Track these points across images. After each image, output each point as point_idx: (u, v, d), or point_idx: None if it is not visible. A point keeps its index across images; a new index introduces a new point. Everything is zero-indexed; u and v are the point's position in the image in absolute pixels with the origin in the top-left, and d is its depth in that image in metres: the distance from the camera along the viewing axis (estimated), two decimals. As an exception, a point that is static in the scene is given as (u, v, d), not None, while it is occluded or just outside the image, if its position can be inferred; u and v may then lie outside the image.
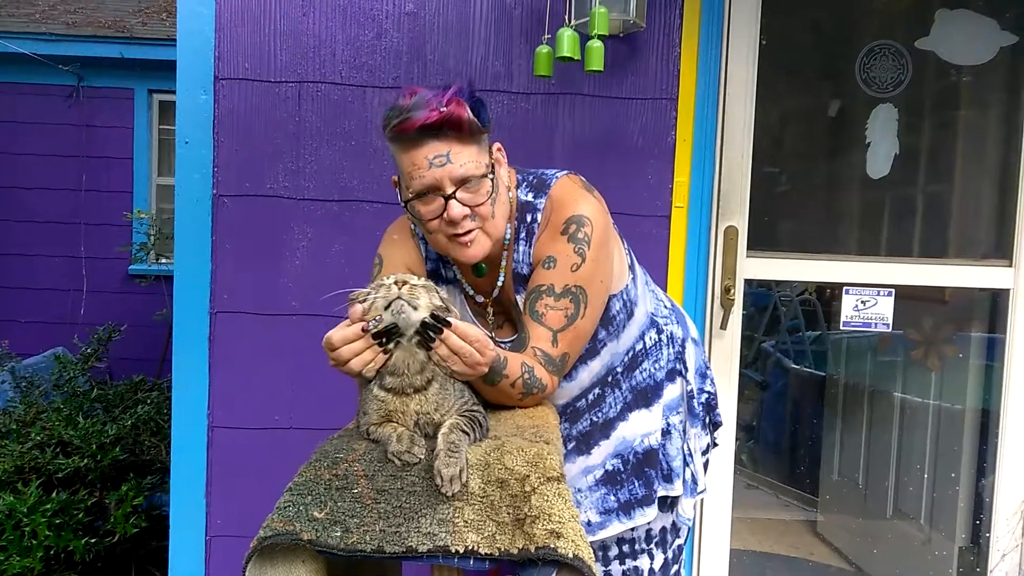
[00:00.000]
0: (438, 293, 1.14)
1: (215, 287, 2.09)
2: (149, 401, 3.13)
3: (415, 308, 1.08)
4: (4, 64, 4.97)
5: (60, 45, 4.96)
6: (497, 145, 1.33)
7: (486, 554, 1.02)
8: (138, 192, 5.28)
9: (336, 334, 1.10)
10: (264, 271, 2.09)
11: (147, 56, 5.03)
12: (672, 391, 1.51)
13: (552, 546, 1.00)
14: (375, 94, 2.07)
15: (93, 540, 2.54)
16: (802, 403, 3.94)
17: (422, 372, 1.13)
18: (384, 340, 1.09)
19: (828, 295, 4.03)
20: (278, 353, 2.10)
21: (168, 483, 2.14)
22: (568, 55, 1.84)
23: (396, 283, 1.10)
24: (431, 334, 1.08)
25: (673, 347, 1.52)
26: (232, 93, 2.05)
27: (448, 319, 1.09)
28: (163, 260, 5.16)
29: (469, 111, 1.21)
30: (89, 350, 3.41)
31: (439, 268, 1.42)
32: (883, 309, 2.31)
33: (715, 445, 1.66)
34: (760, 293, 4.39)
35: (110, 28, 5.19)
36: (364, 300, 1.11)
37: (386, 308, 1.08)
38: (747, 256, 2.22)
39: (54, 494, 2.55)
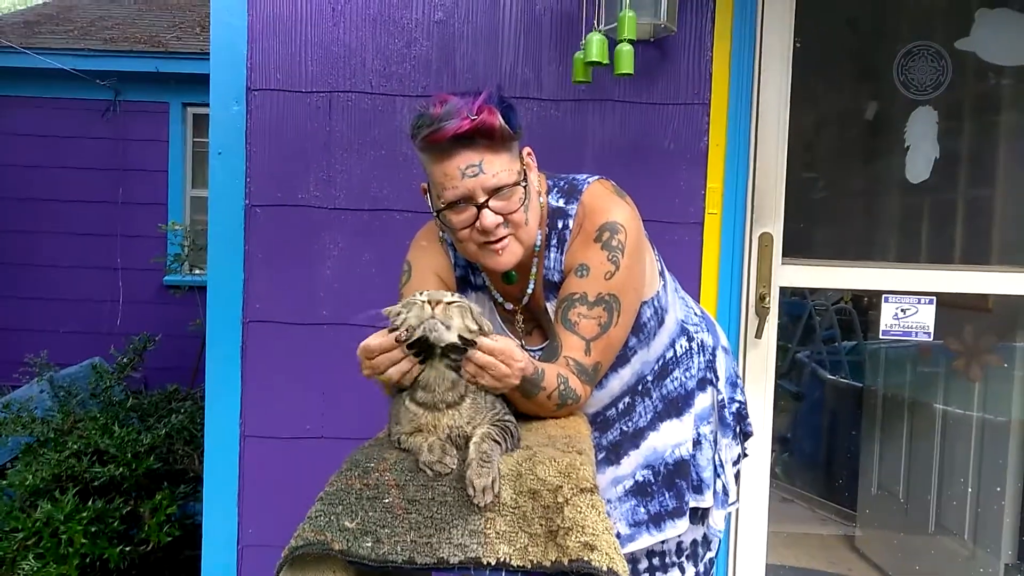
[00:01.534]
0: (471, 312, 1.12)
1: (247, 296, 2.10)
2: (183, 410, 3.16)
3: (448, 328, 1.07)
4: (44, 80, 5.10)
5: (97, 60, 5.07)
6: (527, 150, 1.31)
7: (518, 566, 1.01)
8: (172, 204, 5.37)
9: (373, 341, 1.09)
10: (296, 280, 2.10)
11: (181, 70, 5.12)
12: (703, 400, 1.48)
13: (586, 559, 0.98)
14: (405, 103, 2.08)
15: (128, 548, 2.56)
16: (839, 414, 3.86)
17: (454, 388, 1.11)
18: (416, 352, 1.09)
19: (865, 304, 3.95)
20: (310, 362, 2.11)
21: (201, 492, 2.15)
22: (597, 59, 1.82)
23: (429, 303, 1.09)
24: (456, 355, 1.08)
25: (704, 355, 1.49)
26: (264, 104, 2.07)
27: (473, 339, 1.08)
28: (197, 271, 5.23)
29: (500, 118, 1.20)
30: (125, 360, 3.45)
31: (468, 275, 1.41)
32: (924, 317, 2.25)
33: (745, 455, 1.63)
34: (794, 303, 4.32)
35: (146, 43, 5.30)
36: (397, 316, 1.10)
37: (418, 327, 1.07)
38: (782, 263, 2.18)
39: (90, 502, 2.58)
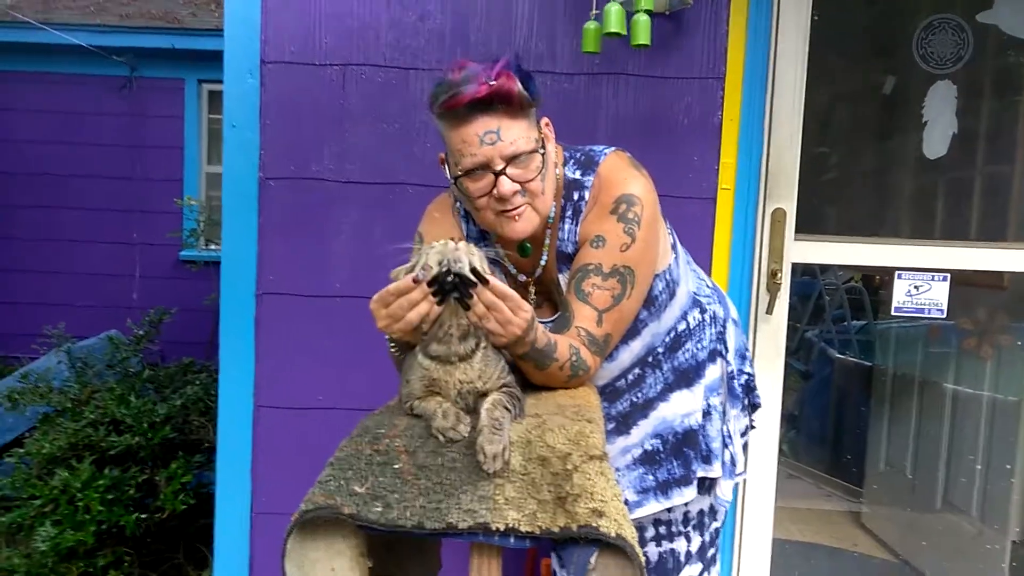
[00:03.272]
0: (480, 255, 1.11)
1: (261, 269, 2.12)
2: (198, 382, 3.20)
3: (469, 261, 1.06)
4: (60, 55, 5.11)
5: (113, 36, 5.08)
6: (545, 120, 1.31)
7: (526, 532, 1.02)
8: (188, 180, 5.40)
9: (391, 287, 1.07)
10: (309, 253, 2.11)
11: (197, 47, 5.12)
12: (713, 372, 1.49)
13: (594, 525, 0.99)
14: (418, 76, 2.07)
15: (144, 516, 2.60)
16: (847, 393, 3.86)
17: (466, 339, 1.11)
18: (435, 292, 1.07)
19: (876, 283, 3.93)
20: (322, 334, 2.13)
21: (215, 462, 2.19)
22: (616, 30, 1.80)
23: (452, 238, 1.09)
24: (469, 291, 1.06)
25: (715, 327, 1.50)
26: (278, 77, 2.07)
27: (487, 277, 1.06)
28: (212, 246, 5.27)
29: (519, 84, 1.20)
30: (141, 332, 3.49)
31: (480, 247, 1.42)
32: (937, 295, 2.23)
33: (753, 427, 1.64)
34: (804, 282, 4.31)
35: (161, 19, 5.30)
36: (415, 258, 1.09)
37: (436, 266, 1.06)
38: (795, 239, 2.17)
39: (106, 471, 2.62)
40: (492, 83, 1.17)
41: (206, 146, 5.49)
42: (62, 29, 4.98)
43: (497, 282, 1.07)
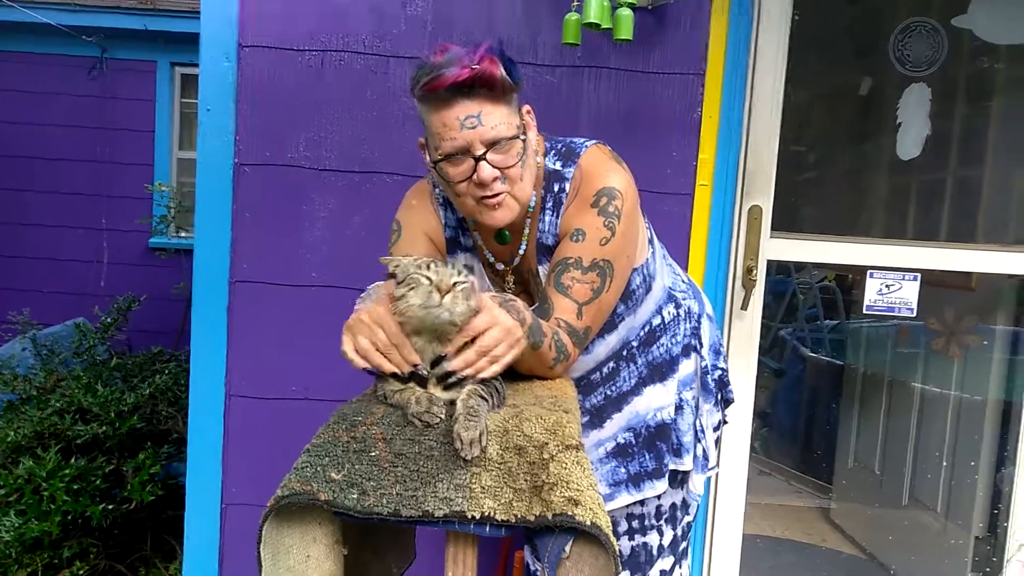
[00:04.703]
0: (474, 290, 1.11)
1: (235, 257, 2.09)
2: (167, 372, 3.15)
3: (450, 314, 1.07)
4: (28, 34, 4.98)
5: (83, 16, 4.96)
6: (527, 108, 1.30)
7: (502, 520, 1.02)
8: (159, 165, 5.30)
9: (363, 341, 1.10)
10: (284, 242, 2.09)
11: (170, 28, 5.02)
12: (687, 366, 1.49)
13: (570, 513, 0.99)
14: (398, 64, 2.05)
15: (111, 507, 2.56)
16: (819, 391, 3.92)
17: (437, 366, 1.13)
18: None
19: (849, 282, 3.99)
20: (296, 324, 2.10)
21: (184, 453, 2.16)
22: (595, 21, 1.79)
23: (438, 289, 1.07)
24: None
25: (690, 322, 1.51)
26: (255, 61, 2.04)
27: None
28: (183, 233, 5.18)
29: (502, 68, 1.19)
30: (109, 320, 3.42)
31: (458, 236, 1.41)
32: (907, 294, 2.27)
33: (726, 422, 1.65)
34: (778, 280, 4.36)
35: None
36: (400, 297, 1.09)
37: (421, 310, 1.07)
38: (771, 237, 2.19)
39: (73, 460, 2.57)
40: (474, 67, 1.16)
41: (178, 131, 5.39)
42: (30, 7, 4.85)
43: (476, 320, 1.09)
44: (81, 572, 2.56)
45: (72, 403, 2.74)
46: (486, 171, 1.21)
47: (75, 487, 2.51)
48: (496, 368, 1.10)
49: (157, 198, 4.97)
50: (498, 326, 1.09)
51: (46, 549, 2.51)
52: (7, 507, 2.48)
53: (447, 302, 1.07)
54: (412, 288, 1.07)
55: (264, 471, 2.00)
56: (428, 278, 1.07)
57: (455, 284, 1.08)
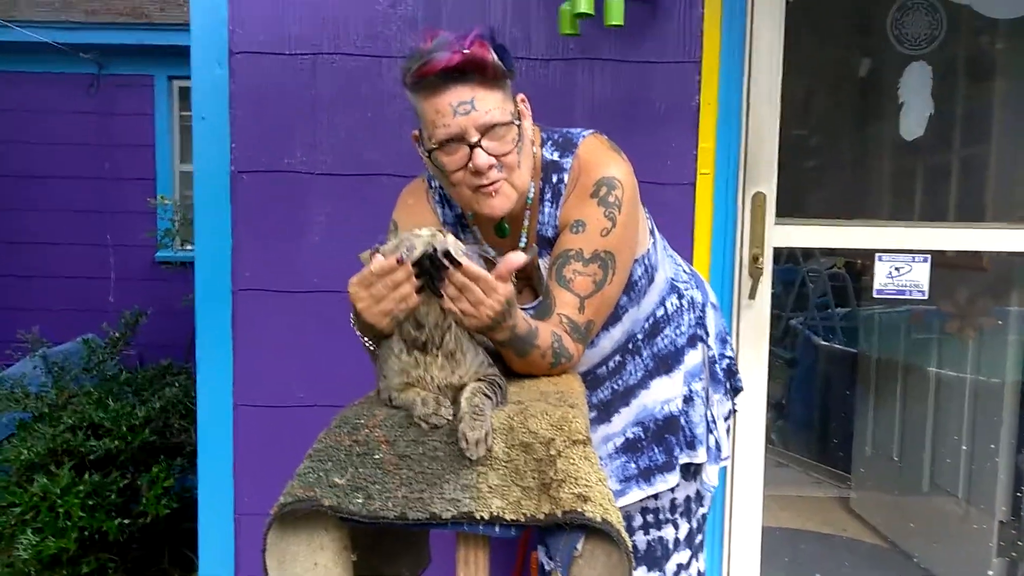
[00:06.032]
0: (455, 243, 1.08)
1: (236, 265, 2.08)
2: (177, 384, 3.15)
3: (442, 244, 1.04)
4: (26, 53, 5.01)
5: (80, 33, 4.99)
6: (521, 96, 1.28)
7: (511, 520, 1.00)
8: (161, 179, 5.32)
9: (373, 267, 1.03)
10: (284, 248, 2.08)
11: (166, 42, 5.04)
12: (693, 357, 1.47)
13: (579, 510, 0.97)
14: (391, 65, 2.04)
15: (127, 521, 2.56)
16: (833, 380, 3.88)
17: (439, 327, 1.08)
18: (418, 274, 1.03)
19: (858, 268, 3.95)
20: (300, 330, 2.09)
21: (197, 464, 2.15)
22: (584, 11, 1.77)
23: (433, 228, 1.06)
24: (441, 274, 1.03)
25: (694, 312, 1.49)
26: (247, 67, 2.03)
27: (459, 260, 1.03)
28: (188, 246, 5.19)
29: (493, 53, 1.17)
30: (117, 335, 3.43)
31: (457, 232, 1.39)
32: (918, 276, 2.24)
33: (735, 411, 1.63)
34: (787, 269, 4.32)
35: (129, 15, 5.22)
36: (392, 248, 1.06)
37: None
38: (776, 223, 2.16)
39: (87, 476, 2.58)
40: (465, 51, 1.14)
41: (178, 144, 5.41)
42: (27, 26, 4.88)
43: (470, 264, 1.04)
44: (99, 588, 2.57)
45: (84, 419, 2.75)
46: (481, 158, 1.18)
47: (90, 503, 2.52)
48: (468, 321, 1.07)
49: (160, 212, 4.98)
50: (499, 299, 1.06)
51: (64, 566, 2.52)
52: (24, 525, 2.48)
53: (439, 234, 1.05)
54: (407, 239, 1.06)
55: (277, 480, 1.97)
56: (424, 229, 1.05)
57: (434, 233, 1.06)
